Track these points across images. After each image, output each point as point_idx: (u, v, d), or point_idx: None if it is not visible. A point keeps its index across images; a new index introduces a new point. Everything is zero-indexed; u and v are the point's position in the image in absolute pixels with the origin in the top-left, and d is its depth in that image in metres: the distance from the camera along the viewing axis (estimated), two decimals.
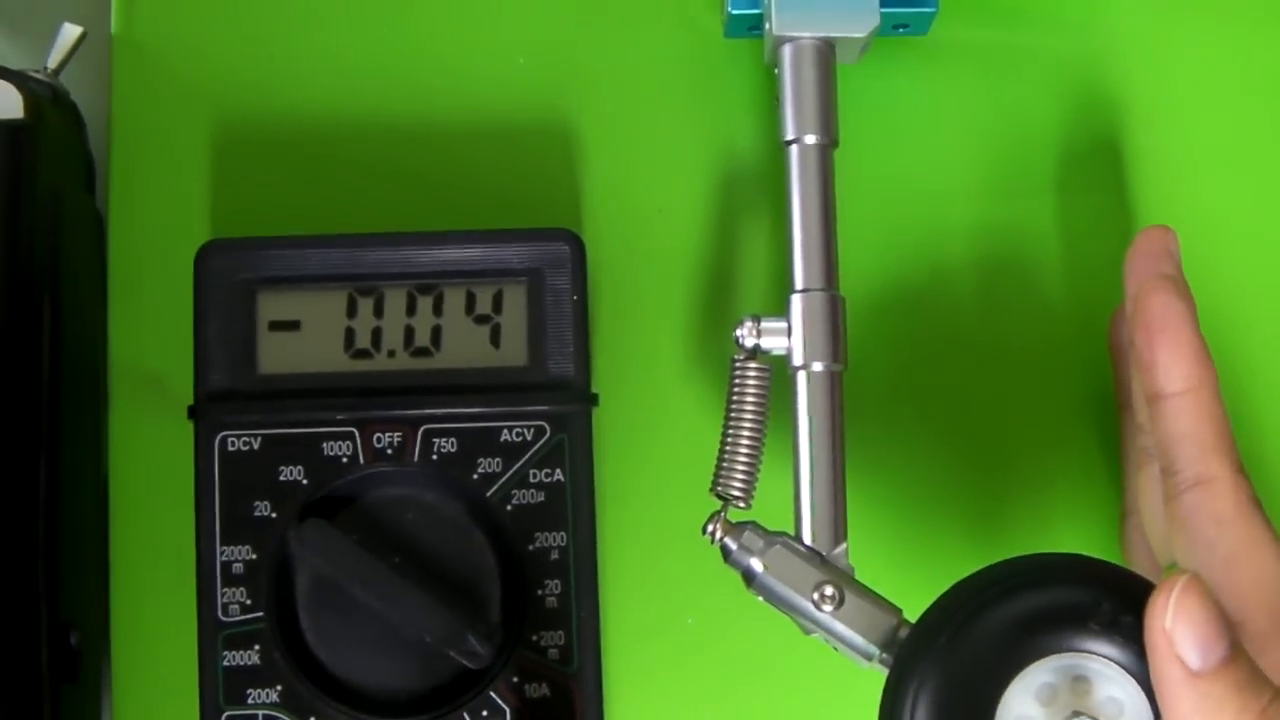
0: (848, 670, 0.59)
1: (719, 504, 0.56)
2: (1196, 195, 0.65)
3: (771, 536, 0.54)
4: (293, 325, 0.59)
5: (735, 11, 0.62)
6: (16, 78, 0.57)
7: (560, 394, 0.59)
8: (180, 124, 0.63)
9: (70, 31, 0.61)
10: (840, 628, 0.53)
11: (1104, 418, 0.63)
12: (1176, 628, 0.45)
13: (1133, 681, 0.48)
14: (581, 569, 0.58)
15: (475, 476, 0.58)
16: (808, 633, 0.54)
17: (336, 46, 0.64)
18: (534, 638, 0.58)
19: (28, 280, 0.56)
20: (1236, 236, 0.64)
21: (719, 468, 0.56)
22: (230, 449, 0.58)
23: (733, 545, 0.54)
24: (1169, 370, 0.52)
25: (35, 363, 0.56)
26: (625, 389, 0.62)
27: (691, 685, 0.61)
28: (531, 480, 0.58)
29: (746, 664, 0.61)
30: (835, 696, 0.62)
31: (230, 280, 0.59)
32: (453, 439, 0.58)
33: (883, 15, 0.60)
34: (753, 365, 0.56)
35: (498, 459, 0.58)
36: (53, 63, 0.60)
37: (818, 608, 0.53)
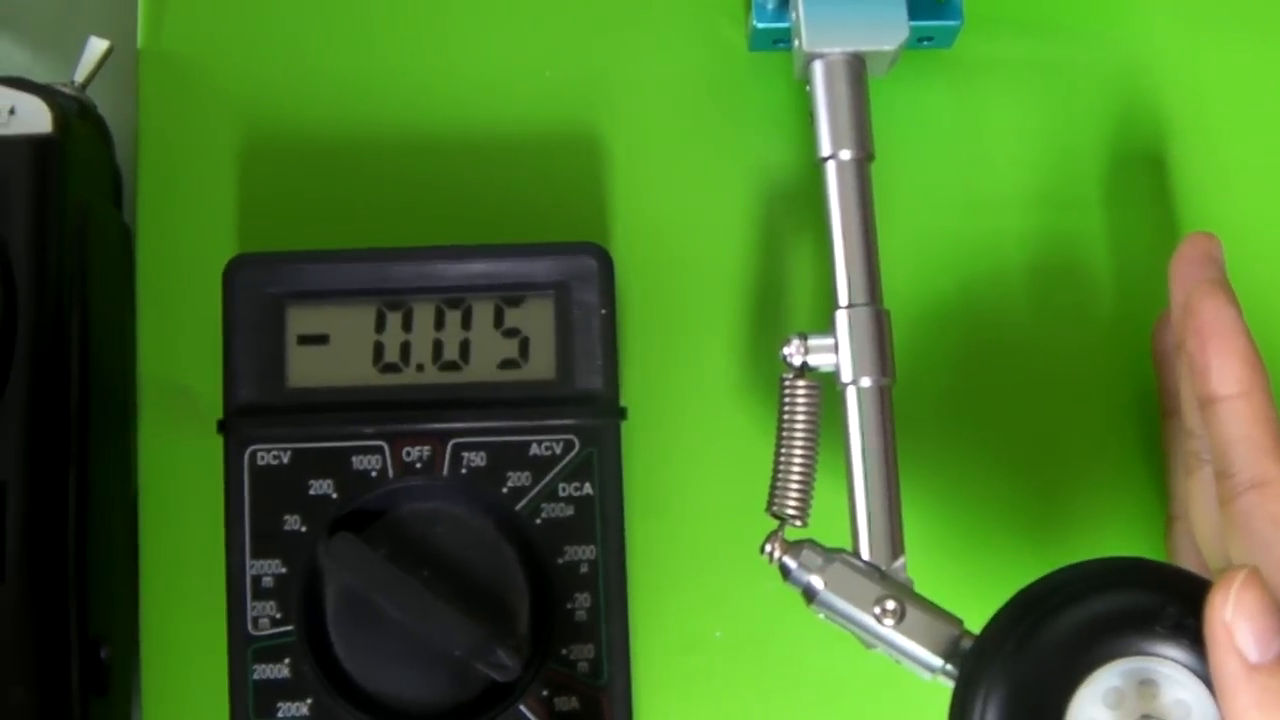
0: (876, 683, 0.60)
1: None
2: (1231, 204, 0.65)
3: (830, 553, 0.54)
4: (321, 339, 0.59)
5: (760, 25, 0.62)
6: (44, 92, 0.57)
7: (589, 407, 0.59)
8: (208, 137, 0.63)
9: (97, 45, 0.61)
10: (903, 641, 0.53)
11: (1152, 423, 0.63)
12: (1236, 621, 0.46)
13: (1200, 683, 0.48)
14: (611, 582, 0.58)
15: (504, 490, 0.58)
16: (870, 647, 0.54)
17: (363, 60, 0.64)
18: (563, 651, 0.58)
19: (56, 294, 0.56)
20: (1275, 244, 0.65)
21: (773, 487, 0.56)
22: (260, 463, 0.58)
23: (792, 564, 0.54)
24: (1222, 374, 0.52)
25: (64, 377, 0.56)
26: (653, 402, 0.62)
27: (720, 699, 0.61)
28: (560, 494, 0.58)
29: (775, 678, 0.61)
30: (864, 710, 0.62)
31: (259, 294, 0.59)
32: (482, 452, 0.58)
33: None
34: (802, 383, 0.56)
35: (527, 472, 0.58)
36: (80, 76, 0.61)
37: (879, 622, 0.53)
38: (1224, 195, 0.65)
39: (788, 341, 0.57)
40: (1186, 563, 0.59)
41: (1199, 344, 0.53)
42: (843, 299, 0.58)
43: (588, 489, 0.58)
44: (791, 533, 0.55)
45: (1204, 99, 0.65)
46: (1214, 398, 0.52)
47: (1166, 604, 0.48)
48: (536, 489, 0.58)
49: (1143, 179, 0.65)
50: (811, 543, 0.55)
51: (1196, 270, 0.56)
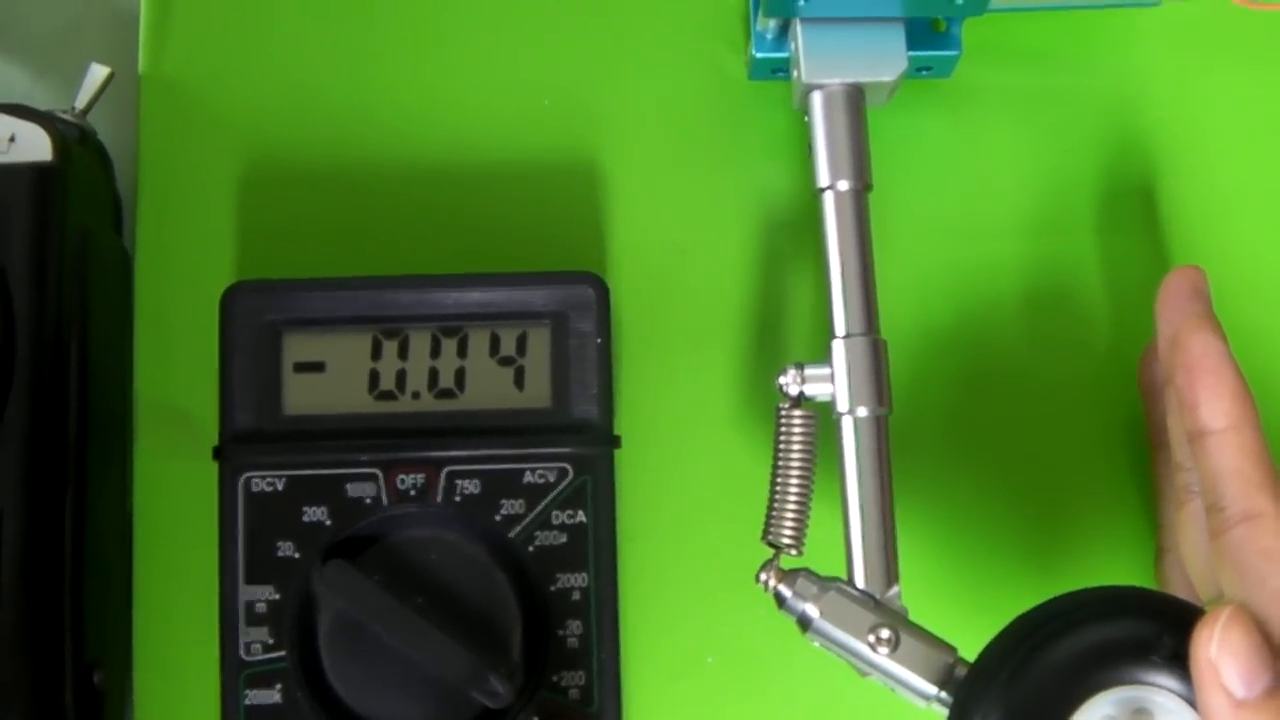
0: (870, 711, 0.60)
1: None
2: (1224, 233, 0.65)
3: (825, 582, 0.55)
4: (318, 367, 0.59)
5: (760, 55, 0.63)
6: (45, 119, 0.58)
7: (583, 436, 0.59)
8: (207, 164, 0.64)
9: (98, 72, 0.61)
10: (897, 669, 0.53)
11: (1147, 451, 0.63)
12: (1221, 657, 0.47)
13: (1194, 713, 0.48)
14: (603, 610, 0.58)
15: (498, 518, 0.58)
16: (864, 675, 0.54)
17: (363, 87, 0.65)
18: (555, 678, 0.58)
19: (55, 320, 0.56)
20: (1267, 276, 0.65)
21: (769, 516, 0.56)
22: (254, 489, 0.58)
23: (787, 593, 0.55)
24: (1211, 408, 0.52)
25: (62, 402, 0.56)
26: (649, 430, 0.62)
27: None
28: (554, 522, 0.58)
29: (767, 705, 0.61)
30: None
31: (256, 321, 0.59)
32: (476, 480, 0.58)
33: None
34: (798, 413, 0.56)
35: (520, 500, 0.58)
36: (81, 103, 0.61)
37: (874, 650, 0.53)
38: (1217, 225, 0.65)
39: (784, 371, 0.57)
40: (1178, 594, 0.59)
41: (1187, 379, 0.53)
42: (840, 329, 0.58)
43: (581, 517, 0.58)
44: (787, 561, 0.55)
45: (1198, 129, 0.66)
46: (1203, 432, 0.52)
47: (1162, 633, 0.48)
48: (530, 517, 0.58)
49: (1138, 207, 0.65)
50: (807, 571, 0.55)
51: (1183, 304, 0.56)
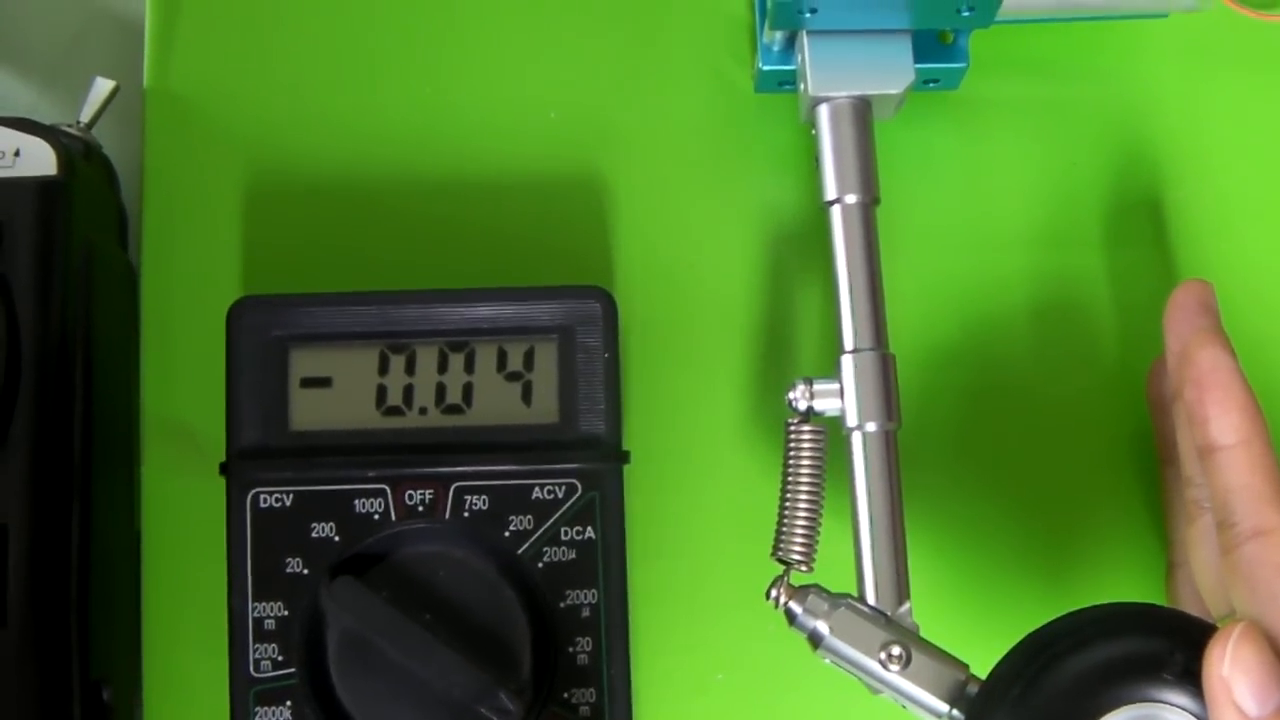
0: None
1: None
2: (1232, 247, 0.65)
3: (836, 599, 0.54)
4: (324, 382, 0.59)
5: (766, 68, 0.62)
6: (50, 133, 0.58)
7: (591, 452, 0.59)
8: (213, 178, 0.64)
9: (103, 85, 0.61)
10: (909, 687, 0.53)
11: (1152, 467, 0.63)
12: (1234, 675, 0.47)
13: None
14: (612, 627, 0.58)
15: (506, 534, 0.58)
16: (876, 693, 0.54)
17: (368, 102, 0.64)
18: (565, 695, 0.58)
19: (60, 335, 0.56)
20: (1275, 289, 0.65)
21: (779, 532, 0.56)
22: (262, 505, 0.58)
23: (798, 609, 0.54)
24: (1221, 423, 0.52)
25: (68, 418, 0.56)
26: (657, 445, 0.62)
27: None
28: (563, 538, 0.58)
29: None
30: None
31: (262, 337, 0.59)
32: (484, 496, 0.58)
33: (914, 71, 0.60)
34: (807, 428, 0.56)
35: (529, 516, 0.58)
36: (86, 116, 0.61)
37: (885, 668, 0.53)
38: (1225, 237, 0.65)
39: (793, 386, 0.57)
40: (1189, 610, 0.59)
41: (1197, 394, 0.53)
42: (848, 344, 0.58)
43: (590, 533, 0.58)
44: (797, 578, 0.55)
45: (1206, 141, 0.66)
46: (1213, 447, 0.52)
47: (1174, 650, 0.49)
48: (539, 533, 0.58)
49: (1145, 220, 0.65)
50: (817, 588, 0.55)
51: (1192, 318, 0.56)
